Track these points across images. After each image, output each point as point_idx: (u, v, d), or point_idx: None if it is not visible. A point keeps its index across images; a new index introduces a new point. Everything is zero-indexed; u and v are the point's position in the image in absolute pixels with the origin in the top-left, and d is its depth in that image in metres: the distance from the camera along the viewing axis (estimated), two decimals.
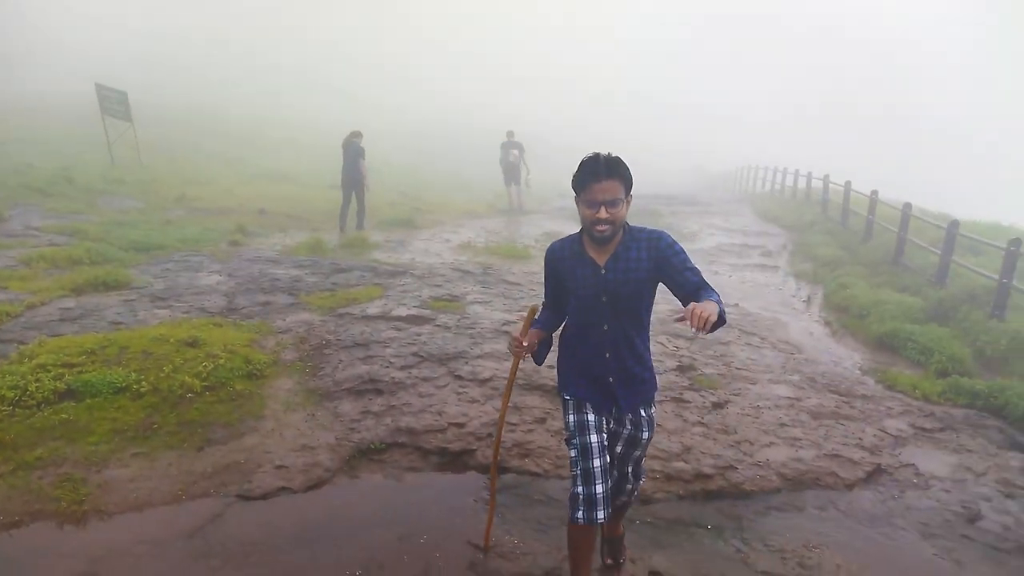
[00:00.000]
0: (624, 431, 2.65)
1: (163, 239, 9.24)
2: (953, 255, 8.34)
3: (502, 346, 5.66)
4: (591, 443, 2.55)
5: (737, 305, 8.20)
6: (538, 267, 9.30)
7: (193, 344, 4.93)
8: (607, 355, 2.55)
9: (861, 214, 12.65)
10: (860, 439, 4.61)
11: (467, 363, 5.23)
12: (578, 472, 2.54)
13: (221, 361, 4.72)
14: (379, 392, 4.64)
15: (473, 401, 4.59)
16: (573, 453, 2.58)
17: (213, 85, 38.45)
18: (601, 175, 2.35)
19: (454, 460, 3.94)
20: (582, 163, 2.41)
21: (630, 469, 2.76)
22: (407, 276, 8.13)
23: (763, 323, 7.55)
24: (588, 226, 2.43)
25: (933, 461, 4.44)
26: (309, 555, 3.01)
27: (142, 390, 4.27)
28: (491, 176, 20.87)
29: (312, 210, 13.55)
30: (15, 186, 12.32)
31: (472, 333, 5.97)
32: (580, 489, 2.53)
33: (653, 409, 2.72)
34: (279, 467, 3.71)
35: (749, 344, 6.67)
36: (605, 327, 2.53)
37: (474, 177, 24.76)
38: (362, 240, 10.49)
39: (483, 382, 4.90)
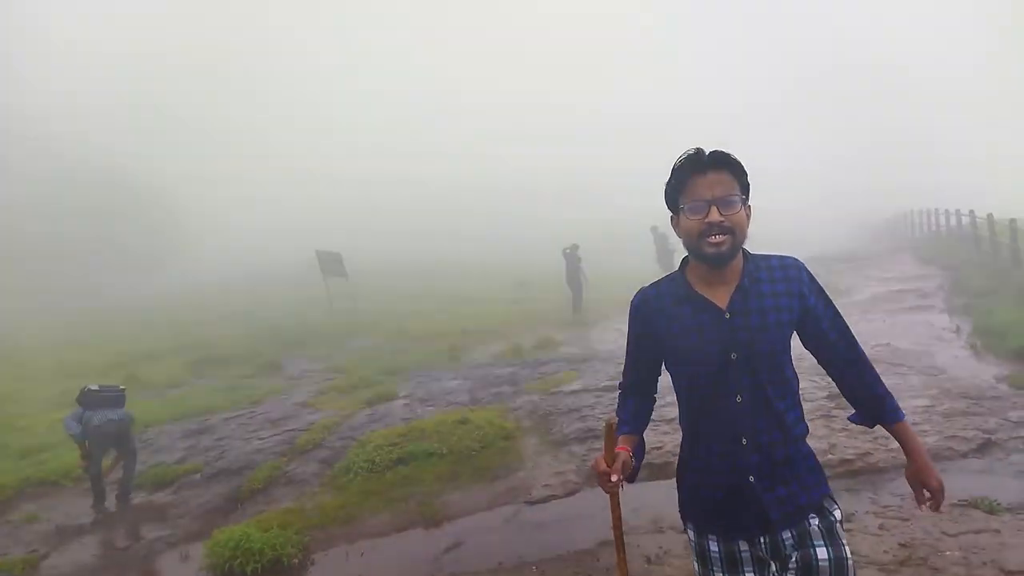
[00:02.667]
0: (790, 558, 1.77)
1: (403, 363, 11.93)
2: None
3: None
4: None
5: (888, 344, 9.30)
6: None
7: (464, 422, 7.15)
8: (743, 441, 1.79)
9: (1005, 242, 13.12)
10: (980, 426, 5.80)
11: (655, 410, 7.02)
12: None
13: (485, 431, 6.87)
14: (596, 436, 6.54)
15: (665, 433, 6.34)
16: None
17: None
18: (706, 165, 1.75)
19: (658, 471, 5.70)
20: (676, 164, 1.79)
21: None
22: (594, 360, 10.11)
23: (911, 355, 8.63)
24: (695, 242, 1.77)
25: None
26: (568, 532, 4.88)
27: (443, 452, 6.47)
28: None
29: (501, 322, 16.07)
30: (276, 342, 15.94)
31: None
32: None
33: (836, 511, 1.83)
34: (545, 485, 5.67)
35: (896, 373, 7.84)
36: (738, 399, 1.78)
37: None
38: (549, 340, 12.68)
39: (669, 421, 6.66)
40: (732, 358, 1.76)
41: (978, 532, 3.96)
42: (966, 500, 4.38)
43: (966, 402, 6.49)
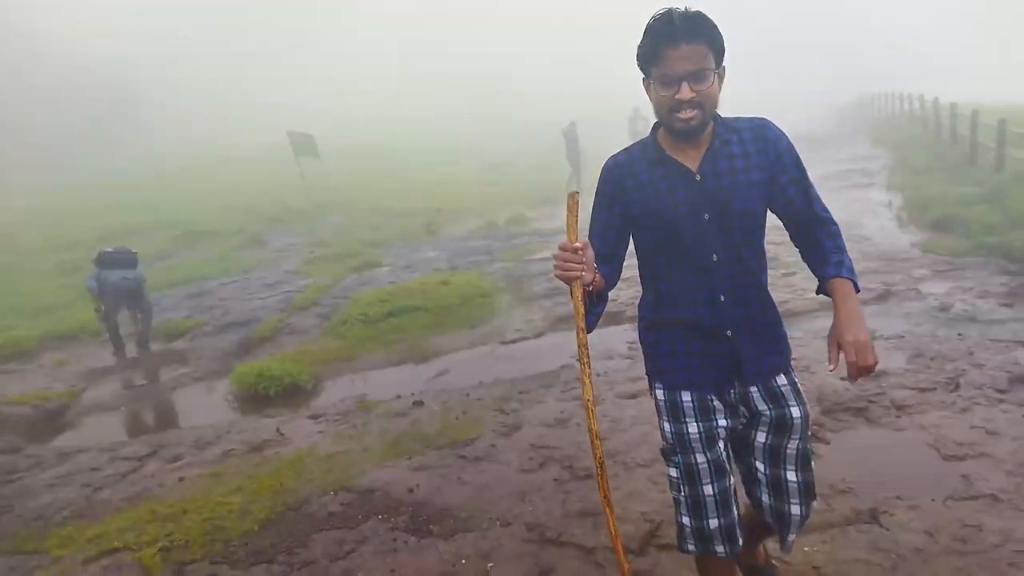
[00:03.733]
0: (764, 414, 1.87)
1: (382, 237, 12.69)
2: (1007, 147, 9.97)
3: None
4: (696, 464, 1.86)
5: None
6: None
7: (445, 283, 8.04)
8: (721, 298, 1.83)
9: (946, 125, 14.01)
10: (885, 281, 6.85)
11: None
12: (682, 499, 1.89)
13: (464, 290, 7.79)
14: (562, 293, 7.49)
15: (628, 289, 7.31)
16: (673, 473, 1.90)
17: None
18: (679, 36, 1.67)
19: (612, 318, 6.69)
20: (649, 24, 1.73)
21: (791, 474, 1.88)
22: (562, 234, 10.97)
23: (843, 225, 9.51)
24: (664, 115, 1.77)
25: (934, 286, 6.61)
26: (536, 361, 5.89)
27: (428, 307, 7.38)
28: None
29: (473, 199, 16.77)
30: (254, 219, 16.48)
31: None
32: (686, 520, 1.89)
33: (794, 373, 1.94)
34: (517, 330, 6.64)
35: None
36: (714, 257, 1.82)
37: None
38: (520, 216, 13.49)
39: (626, 279, 7.63)
40: (705, 219, 1.79)
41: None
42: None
43: (880, 263, 7.54)
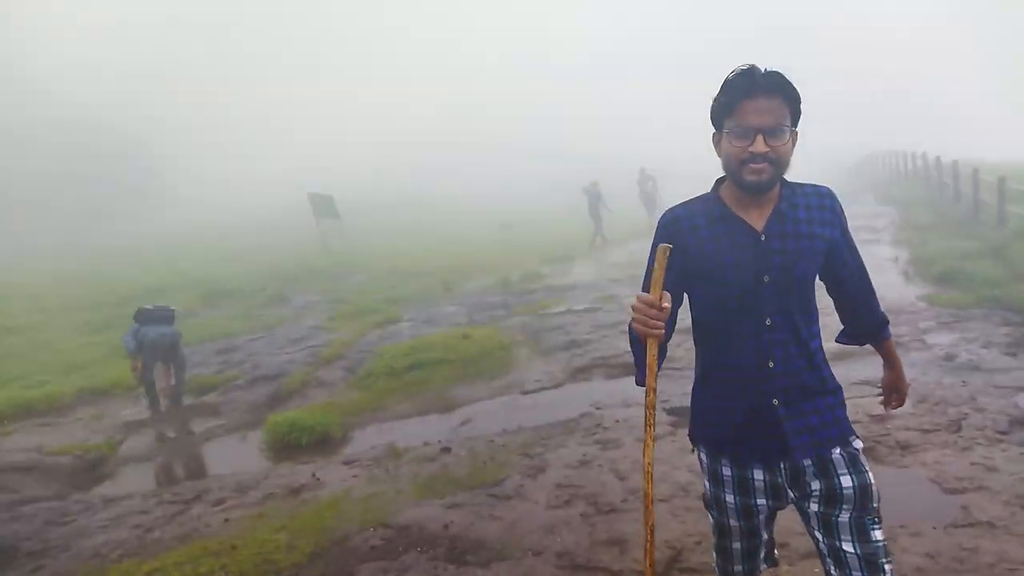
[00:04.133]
0: (813, 487, 1.78)
1: (401, 294, 13.07)
2: (1007, 204, 10.33)
3: None
4: (729, 525, 1.92)
5: None
6: None
7: (465, 337, 8.35)
8: (770, 364, 1.79)
9: (949, 184, 14.43)
10: (892, 332, 7.08)
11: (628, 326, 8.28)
12: (714, 541, 2.02)
13: (484, 343, 8.09)
14: (579, 345, 7.78)
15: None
16: (711, 518, 1.99)
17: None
18: (758, 89, 1.68)
19: (627, 368, 6.94)
20: (728, 79, 1.72)
21: (847, 544, 1.74)
22: (576, 289, 11.34)
23: None
24: (735, 168, 1.73)
25: (940, 337, 6.85)
26: (556, 410, 6.14)
27: (450, 359, 7.69)
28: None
29: (486, 257, 17.22)
30: (277, 279, 16.96)
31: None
32: (716, 557, 2.04)
33: (857, 442, 1.84)
34: (536, 380, 6.90)
35: None
36: (768, 321, 1.78)
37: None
38: (534, 273, 13.88)
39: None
40: (764, 280, 1.75)
41: (862, 397, 5.24)
42: (861, 380, 5.68)
43: (887, 315, 7.78)
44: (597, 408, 5.78)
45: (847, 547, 1.73)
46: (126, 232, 31.38)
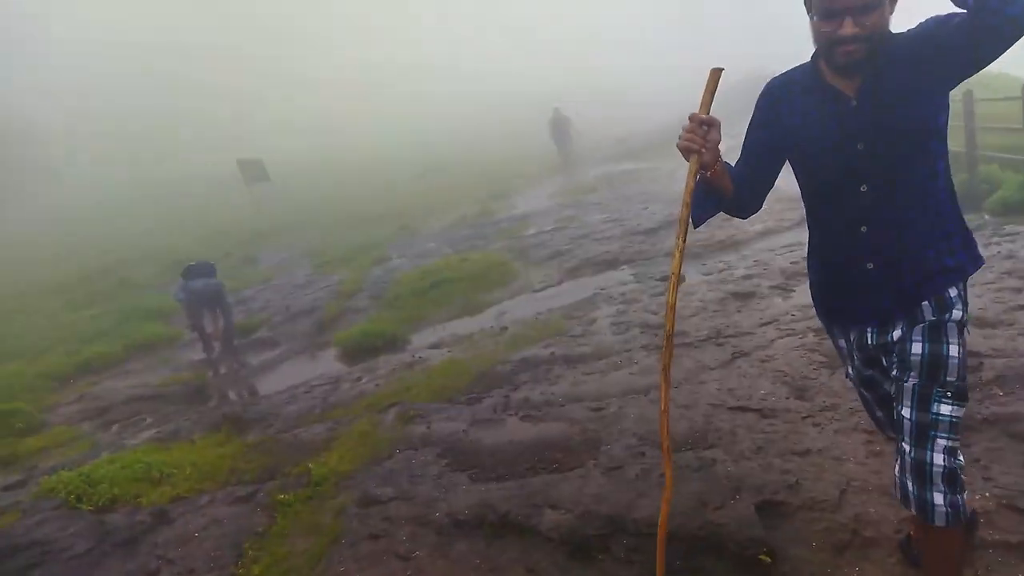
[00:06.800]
0: (912, 349, 1.74)
1: (371, 240, 14.42)
2: None
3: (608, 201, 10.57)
4: (861, 393, 2.05)
5: None
6: (604, 196, 14.20)
7: (465, 260, 10.02)
8: (863, 229, 1.75)
9: None
10: None
11: (578, 226, 10.18)
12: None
13: (484, 263, 9.80)
14: (563, 254, 9.62)
15: (611, 238, 9.48)
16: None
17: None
18: None
19: (610, 263, 8.82)
20: None
21: (907, 412, 1.73)
22: (534, 215, 13.15)
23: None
24: (825, 49, 1.68)
25: None
26: (570, 296, 7.94)
27: (461, 277, 9.35)
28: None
29: (433, 202, 18.64)
30: (233, 242, 17.78)
31: (578, 214, 10.93)
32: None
33: (957, 310, 1.75)
34: (540, 282, 8.70)
35: None
36: (863, 188, 1.72)
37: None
38: (487, 209, 15.54)
39: (619, 221, 9.81)
40: (859, 148, 1.70)
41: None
42: None
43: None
44: (602, 290, 7.66)
45: (905, 412, 1.74)
46: (28, 218, 30.36)
